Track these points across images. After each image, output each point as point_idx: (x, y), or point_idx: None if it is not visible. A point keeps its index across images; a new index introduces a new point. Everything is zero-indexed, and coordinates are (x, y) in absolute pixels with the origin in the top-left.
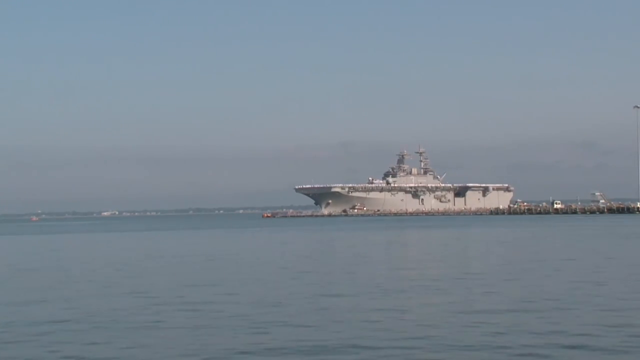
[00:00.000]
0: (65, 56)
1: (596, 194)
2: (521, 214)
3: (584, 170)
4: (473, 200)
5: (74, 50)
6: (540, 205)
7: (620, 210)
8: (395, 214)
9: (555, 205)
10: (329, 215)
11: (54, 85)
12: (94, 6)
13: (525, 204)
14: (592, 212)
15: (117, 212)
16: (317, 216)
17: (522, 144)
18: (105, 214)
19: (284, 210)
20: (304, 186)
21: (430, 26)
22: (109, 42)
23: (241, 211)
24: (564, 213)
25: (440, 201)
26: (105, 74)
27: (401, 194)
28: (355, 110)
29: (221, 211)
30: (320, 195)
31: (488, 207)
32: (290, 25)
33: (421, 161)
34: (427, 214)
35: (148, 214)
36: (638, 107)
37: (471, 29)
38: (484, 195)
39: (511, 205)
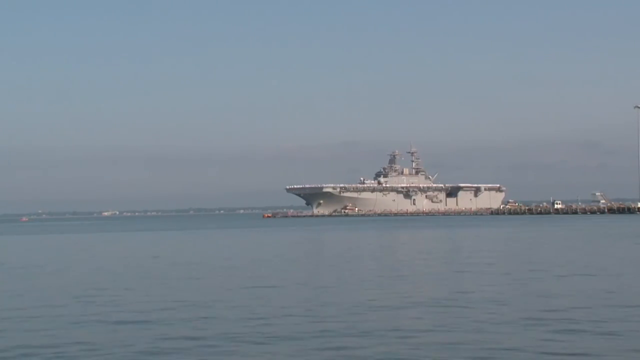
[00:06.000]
0: (65, 56)
1: (596, 194)
2: (522, 214)
3: (585, 170)
4: (465, 201)
5: (74, 50)
6: (541, 205)
7: (621, 211)
8: (395, 214)
9: (555, 206)
10: (329, 215)
11: (54, 85)
12: (94, 6)
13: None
14: (593, 212)
15: (117, 212)
16: (317, 216)
17: (523, 144)
18: (106, 213)
19: (285, 210)
20: (295, 186)
21: (432, 26)
22: (109, 42)
23: (242, 211)
24: (564, 213)
25: (432, 201)
26: (106, 74)
27: (393, 194)
28: (357, 111)
29: (221, 211)
30: (312, 196)
31: (480, 207)
32: (290, 26)
33: (413, 161)
34: (427, 214)
35: (148, 214)
36: (639, 107)
37: (471, 28)
38: (475, 195)
39: (503, 206)
